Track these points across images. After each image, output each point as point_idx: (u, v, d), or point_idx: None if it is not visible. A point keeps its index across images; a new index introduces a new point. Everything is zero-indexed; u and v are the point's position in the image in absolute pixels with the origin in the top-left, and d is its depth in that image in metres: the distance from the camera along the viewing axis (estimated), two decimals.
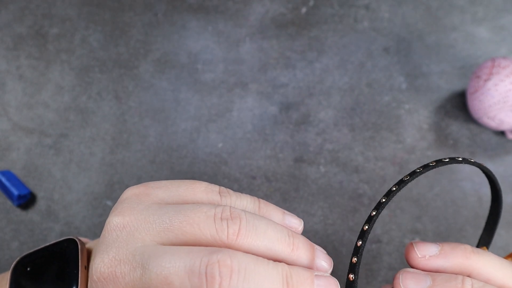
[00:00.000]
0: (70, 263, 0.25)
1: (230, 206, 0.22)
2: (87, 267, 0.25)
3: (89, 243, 0.29)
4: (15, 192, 0.49)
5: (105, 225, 0.24)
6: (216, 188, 0.25)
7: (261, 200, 0.25)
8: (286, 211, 0.26)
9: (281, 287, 0.21)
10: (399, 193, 0.49)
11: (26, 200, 0.51)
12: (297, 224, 0.25)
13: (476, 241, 0.47)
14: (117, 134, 0.54)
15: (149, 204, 0.24)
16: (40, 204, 0.51)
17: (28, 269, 0.26)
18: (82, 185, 0.52)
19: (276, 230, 0.22)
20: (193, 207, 0.23)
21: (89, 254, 0.27)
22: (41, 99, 0.56)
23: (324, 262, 0.24)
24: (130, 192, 0.24)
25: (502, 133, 0.51)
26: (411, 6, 0.59)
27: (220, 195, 0.24)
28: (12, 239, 0.50)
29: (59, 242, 0.27)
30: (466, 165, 0.50)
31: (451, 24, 0.57)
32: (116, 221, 0.23)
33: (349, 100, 0.54)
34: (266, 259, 0.21)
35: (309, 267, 0.23)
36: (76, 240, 0.26)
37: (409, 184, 0.50)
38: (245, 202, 0.25)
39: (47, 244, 0.27)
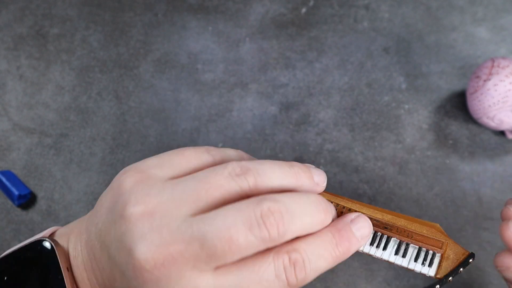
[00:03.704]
0: (51, 269, 0.25)
1: (234, 162, 0.24)
2: (70, 268, 0.25)
3: (65, 228, 0.28)
4: (15, 192, 0.49)
5: (122, 218, 0.23)
6: (202, 149, 0.26)
7: (235, 149, 0.28)
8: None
9: (319, 207, 0.24)
10: (399, 193, 0.49)
11: (27, 200, 0.51)
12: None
13: (476, 241, 0.47)
14: (117, 134, 0.54)
15: (160, 184, 0.24)
16: (41, 204, 0.51)
17: (5, 278, 0.25)
18: (82, 185, 0.52)
19: (277, 167, 0.25)
20: (208, 173, 0.23)
21: (69, 234, 0.27)
22: (41, 99, 0.56)
23: (319, 176, 0.27)
24: (130, 181, 0.24)
25: (502, 133, 0.51)
26: (411, 6, 0.59)
27: (210, 155, 0.26)
28: (12, 239, 0.50)
29: (31, 246, 0.26)
30: (466, 164, 0.50)
31: (451, 24, 0.58)
32: (138, 210, 0.23)
33: (349, 100, 0.54)
34: (300, 193, 0.24)
35: (313, 186, 0.26)
36: (50, 242, 0.25)
37: (409, 184, 0.50)
38: (231, 154, 0.27)
39: (16, 247, 0.26)
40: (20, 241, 0.49)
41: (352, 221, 0.26)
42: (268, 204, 0.22)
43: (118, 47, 0.58)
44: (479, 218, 0.48)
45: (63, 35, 0.60)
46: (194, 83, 0.56)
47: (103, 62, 0.58)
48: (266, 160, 0.25)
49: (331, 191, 0.52)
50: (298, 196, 0.24)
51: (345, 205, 0.28)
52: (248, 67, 0.57)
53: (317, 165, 0.51)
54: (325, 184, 0.27)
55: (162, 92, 0.56)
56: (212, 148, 0.26)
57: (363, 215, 0.26)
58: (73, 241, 0.27)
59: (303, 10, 0.60)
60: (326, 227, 0.25)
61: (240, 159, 0.27)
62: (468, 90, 0.49)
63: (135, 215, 0.22)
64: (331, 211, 0.26)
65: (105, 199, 0.25)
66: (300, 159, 0.51)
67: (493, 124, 0.48)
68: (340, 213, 0.28)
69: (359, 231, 0.26)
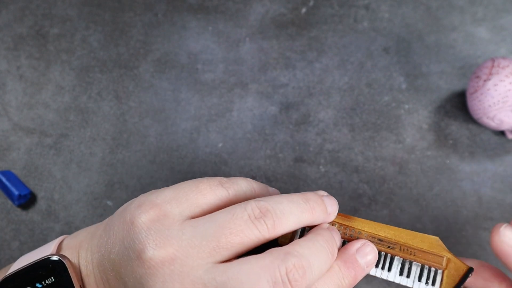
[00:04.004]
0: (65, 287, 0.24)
1: (253, 203, 0.24)
2: (83, 286, 0.25)
3: (73, 239, 0.28)
4: (15, 192, 0.49)
5: (140, 259, 0.23)
6: (216, 181, 0.26)
7: (245, 178, 0.28)
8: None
9: (331, 250, 0.25)
10: (399, 193, 0.49)
11: (27, 200, 0.51)
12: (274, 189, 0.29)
13: (476, 241, 0.47)
14: (117, 134, 0.54)
15: (178, 226, 0.23)
16: (41, 204, 0.51)
17: None
18: (82, 185, 0.52)
19: (294, 204, 0.25)
20: (228, 216, 0.23)
21: (78, 247, 0.27)
22: (41, 99, 0.56)
23: (332, 206, 0.27)
24: (145, 219, 0.23)
25: (502, 133, 0.51)
26: (411, 6, 0.59)
27: (224, 188, 0.26)
28: (12, 239, 0.50)
29: (42, 263, 0.25)
30: (466, 164, 0.50)
31: (451, 24, 0.57)
32: (158, 255, 0.22)
33: (349, 100, 0.54)
34: (312, 240, 0.24)
35: (326, 217, 0.27)
36: (62, 260, 0.25)
37: (409, 184, 0.50)
38: (242, 185, 0.27)
39: (27, 264, 0.25)
40: (20, 241, 0.49)
41: (357, 250, 0.26)
42: (293, 260, 0.22)
43: (118, 47, 0.58)
44: (479, 218, 0.48)
45: (63, 35, 0.59)
46: (194, 83, 0.56)
47: (103, 62, 0.58)
48: (283, 197, 0.25)
49: (331, 191, 0.53)
50: (314, 246, 0.24)
51: (348, 225, 0.28)
52: (248, 67, 0.57)
53: (317, 165, 0.51)
54: (336, 212, 0.28)
55: (162, 92, 0.56)
56: (224, 180, 0.26)
57: (368, 243, 0.27)
58: (83, 256, 0.26)
59: (303, 10, 0.60)
60: None
61: (251, 190, 0.27)
62: (468, 90, 0.49)
63: (155, 260, 0.22)
64: (338, 243, 0.26)
65: (118, 229, 0.24)
66: (300, 159, 0.51)
67: (493, 124, 0.48)
68: (343, 234, 0.28)
69: (364, 258, 0.26)
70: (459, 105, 0.53)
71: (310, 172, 0.51)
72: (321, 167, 0.51)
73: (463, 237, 0.47)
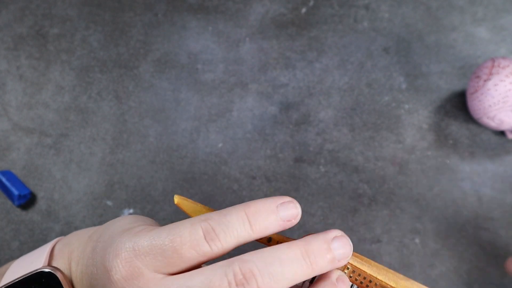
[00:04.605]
0: None
1: (236, 265, 0.21)
2: None
3: (64, 245, 0.28)
4: (15, 192, 0.49)
5: None
6: (199, 232, 0.23)
7: (248, 211, 0.23)
8: (278, 203, 0.24)
9: None
10: (399, 193, 0.49)
11: (26, 200, 0.51)
12: (294, 213, 0.24)
13: (476, 241, 0.47)
14: (117, 134, 0.54)
15: (153, 286, 0.22)
16: (40, 204, 0.51)
17: None
18: (82, 185, 0.52)
19: (289, 262, 0.22)
20: (203, 284, 0.21)
21: (70, 258, 0.27)
22: (41, 99, 0.56)
23: (344, 251, 0.24)
24: (120, 276, 0.22)
25: (502, 133, 0.51)
26: (411, 6, 0.59)
27: (207, 242, 0.23)
28: (12, 238, 0.50)
29: (35, 276, 0.25)
30: (466, 164, 0.50)
31: (451, 24, 0.57)
32: None
33: (349, 100, 0.54)
34: None
35: (333, 266, 0.23)
36: (54, 273, 0.25)
37: (409, 184, 0.50)
38: (235, 230, 0.23)
39: (21, 277, 0.25)
40: (20, 241, 0.49)
41: None
42: None
43: (118, 47, 0.58)
44: (479, 218, 0.48)
45: (63, 35, 0.59)
46: (194, 83, 0.56)
47: (103, 62, 0.58)
48: (278, 252, 0.22)
49: (331, 191, 0.52)
50: None
51: (360, 268, 0.28)
52: (248, 67, 0.57)
53: (317, 165, 0.51)
54: (349, 256, 0.24)
55: (162, 92, 0.56)
56: (210, 227, 0.23)
57: None
58: (74, 270, 0.26)
59: (303, 10, 0.60)
60: None
61: (247, 231, 0.23)
62: (468, 90, 0.49)
63: None
64: None
65: (99, 270, 0.24)
66: (300, 159, 0.51)
67: (493, 124, 0.48)
68: (354, 279, 0.28)
69: None
70: (459, 105, 0.53)
71: (310, 172, 0.51)
72: (321, 167, 0.51)
73: (463, 237, 0.47)
